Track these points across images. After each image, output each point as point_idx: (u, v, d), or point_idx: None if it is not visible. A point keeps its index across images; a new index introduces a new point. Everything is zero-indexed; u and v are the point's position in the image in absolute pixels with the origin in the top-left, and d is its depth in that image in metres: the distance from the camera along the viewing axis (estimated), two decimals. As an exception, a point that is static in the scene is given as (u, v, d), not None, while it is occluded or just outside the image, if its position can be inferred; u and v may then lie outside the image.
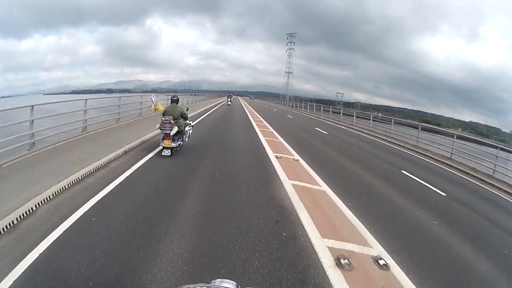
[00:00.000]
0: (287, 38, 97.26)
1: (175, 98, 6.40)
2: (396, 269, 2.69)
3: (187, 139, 6.75)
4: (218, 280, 0.82)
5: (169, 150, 5.85)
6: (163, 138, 5.84)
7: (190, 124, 7.00)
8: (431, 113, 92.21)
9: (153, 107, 10.42)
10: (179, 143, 6.16)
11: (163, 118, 5.89)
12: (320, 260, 2.66)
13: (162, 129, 5.85)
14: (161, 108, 9.27)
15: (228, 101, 29.19)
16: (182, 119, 6.23)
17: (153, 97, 11.06)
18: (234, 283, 0.81)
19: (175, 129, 5.87)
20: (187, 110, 6.73)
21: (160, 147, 6.05)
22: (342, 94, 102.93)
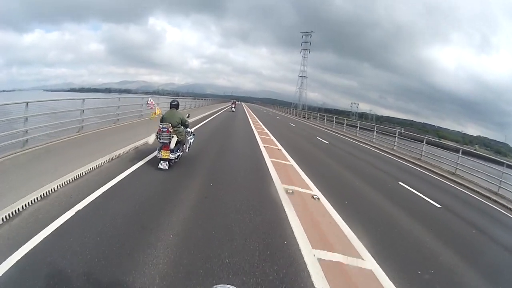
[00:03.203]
0: (302, 37, 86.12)
1: (175, 102, 5.59)
2: None
3: (187, 149, 5.96)
4: (220, 285, 0.82)
5: (167, 163, 5.08)
6: (160, 148, 5.09)
7: (191, 132, 6.24)
8: (438, 126, 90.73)
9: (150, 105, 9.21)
10: (178, 154, 5.41)
11: (161, 126, 5.14)
12: None
13: (159, 138, 5.09)
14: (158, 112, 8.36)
15: (232, 107, 28.54)
16: (182, 126, 5.47)
17: (150, 100, 9.64)
18: None
19: (175, 138, 5.10)
20: (188, 116, 5.99)
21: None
22: (358, 104, 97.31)
